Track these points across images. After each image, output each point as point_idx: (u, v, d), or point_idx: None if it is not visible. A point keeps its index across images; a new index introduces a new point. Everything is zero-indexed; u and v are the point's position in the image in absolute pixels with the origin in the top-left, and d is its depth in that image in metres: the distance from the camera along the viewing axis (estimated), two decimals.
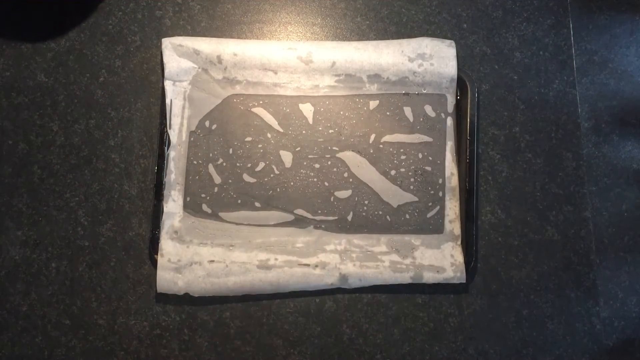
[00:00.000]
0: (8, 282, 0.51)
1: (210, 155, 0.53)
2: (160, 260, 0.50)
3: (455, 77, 0.53)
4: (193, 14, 0.56)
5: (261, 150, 0.53)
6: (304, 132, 0.53)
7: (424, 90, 0.54)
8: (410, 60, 0.53)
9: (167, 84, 0.53)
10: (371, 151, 0.53)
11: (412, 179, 0.53)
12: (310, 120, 0.54)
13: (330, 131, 0.53)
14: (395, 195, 0.53)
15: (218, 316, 0.51)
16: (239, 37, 0.55)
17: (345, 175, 0.53)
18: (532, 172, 0.54)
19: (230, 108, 0.53)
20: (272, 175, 0.53)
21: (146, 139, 0.53)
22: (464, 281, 0.51)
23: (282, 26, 0.56)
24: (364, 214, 0.52)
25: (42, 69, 0.54)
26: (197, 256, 0.50)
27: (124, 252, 0.51)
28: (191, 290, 0.49)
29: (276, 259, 0.51)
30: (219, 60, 0.53)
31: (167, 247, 0.50)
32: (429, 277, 0.50)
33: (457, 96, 0.54)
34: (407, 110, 0.54)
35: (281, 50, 0.53)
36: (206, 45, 0.53)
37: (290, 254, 0.51)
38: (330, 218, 0.52)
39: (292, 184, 0.53)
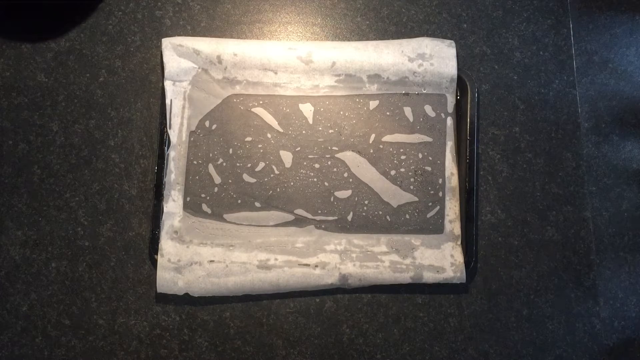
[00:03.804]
0: (8, 282, 0.51)
1: (210, 155, 0.53)
2: (160, 260, 0.50)
3: (455, 77, 0.53)
4: (193, 14, 0.56)
5: (261, 150, 0.53)
6: (304, 132, 0.53)
7: (424, 90, 0.54)
8: (410, 60, 0.53)
9: (167, 84, 0.53)
10: (371, 151, 0.53)
11: (412, 179, 0.53)
12: (310, 120, 0.53)
13: (330, 131, 0.53)
14: (395, 195, 0.53)
15: (218, 316, 0.51)
16: (239, 37, 0.55)
17: (345, 175, 0.53)
18: (532, 172, 0.54)
19: (230, 108, 0.53)
20: (272, 175, 0.53)
21: (146, 139, 0.53)
22: (464, 281, 0.51)
23: (282, 26, 0.56)
24: (364, 214, 0.52)
25: (42, 69, 0.54)
26: (197, 256, 0.50)
27: (124, 252, 0.51)
28: (191, 290, 0.49)
29: (276, 259, 0.51)
30: (219, 60, 0.53)
31: (167, 247, 0.50)
32: (429, 277, 0.50)
33: (457, 96, 0.54)
34: (407, 110, 0.54)
35: (281, 50, 0.53)
36: (206, 45, 0.53)
37: (290, 254, 0.51)
38: (330, 218, 0.52)
39: (292, 184, 0.53)
